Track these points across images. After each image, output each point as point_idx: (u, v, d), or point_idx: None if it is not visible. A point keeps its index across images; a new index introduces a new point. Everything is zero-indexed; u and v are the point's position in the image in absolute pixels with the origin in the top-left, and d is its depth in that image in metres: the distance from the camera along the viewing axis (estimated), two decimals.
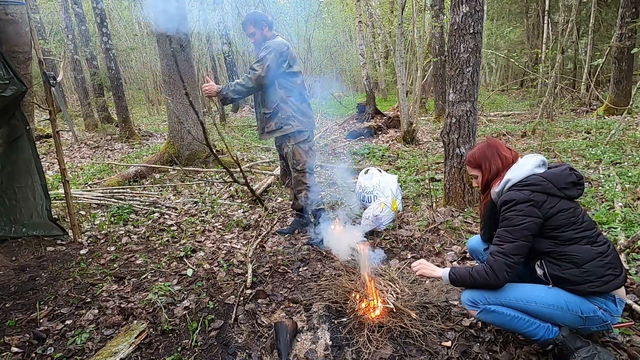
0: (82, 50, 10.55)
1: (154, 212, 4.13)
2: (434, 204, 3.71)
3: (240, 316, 2.28)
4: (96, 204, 4.34)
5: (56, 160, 4.71)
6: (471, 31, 3.16)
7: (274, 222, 3.76)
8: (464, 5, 3.14)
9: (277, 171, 5.09)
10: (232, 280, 2.72)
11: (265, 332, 2.12)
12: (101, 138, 9.22)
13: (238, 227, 3.73)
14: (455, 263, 2.75)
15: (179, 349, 2.02)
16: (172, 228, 3.75)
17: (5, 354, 2.02)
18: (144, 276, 2.83)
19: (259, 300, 2.44)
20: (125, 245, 3.40)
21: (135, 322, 2.25)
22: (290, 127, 3.08)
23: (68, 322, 2.30)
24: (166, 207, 4.33)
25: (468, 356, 1.82)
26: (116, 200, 4.40)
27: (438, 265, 2.09)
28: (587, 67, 10.04)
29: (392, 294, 2.20)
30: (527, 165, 1.67)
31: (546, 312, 1.60)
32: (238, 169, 5.69)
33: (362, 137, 8.28)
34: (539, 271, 1.66)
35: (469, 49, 3.19)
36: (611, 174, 4.15)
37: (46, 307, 2.45)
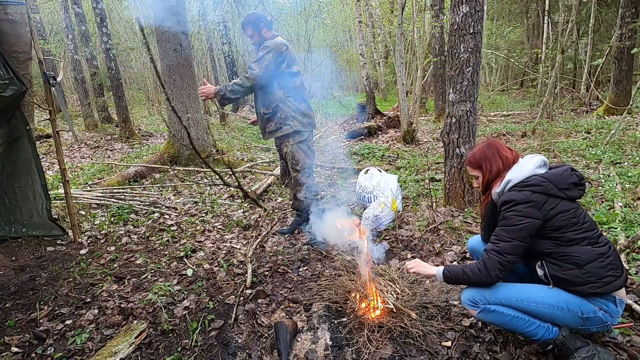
0: (82, 50, 10.55)
1: (154, 212, 4.13)
2: (434, 204, 3.71)
3: (240, 316, 2.28)
4: (96, 204, 4.34)
5: (56, 160, 4.71)
6: (471, 31, 3.16)
7: (274, 222, 3.76)
8: (464, 5, 3.14)
9: (277, 171, 5.09)
10: (232, 280, 2.72)
11: (265, 332, 2.12)
12: (101, 138, 9.22)
13: (238, 227, 3.73)
14: (455, 263, 2.75)
15: (179, 349, 2.02)
16: (172, 228, 3.75)
17: (5, 354, 2.02)
18: (144, 276, 2.83)
19: (259, 300, 2.44)
20: (125, 245, 3.40)
21: (135, 322, 2.25)
22: (289, 127, 3.08)
23: (68, 322, 2.30)
24: (166, 207, 4.33)
25: (468, 356, 1.82)
26: (116, 200, 4.40)
27: (437, 265, 2.09)
28: (587, 67, 10.04)
29: (392, 294, 2.20)
30: (528, 166, 1.67)
31: (546, 312, 1.60)
32: (239, 170, 5.69)
33: (362, 137, 8.29)
34: (540, 272, 1.66)
35: (469, 49, 3.19)
36: (611, 174, 4.15)
37: (46, 307, 2.46)
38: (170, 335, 2.14)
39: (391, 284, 2.31)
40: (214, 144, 6.64)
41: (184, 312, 2.34)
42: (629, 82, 8.43)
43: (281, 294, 2.52)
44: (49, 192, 3.39)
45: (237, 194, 4.75)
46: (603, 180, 4.02)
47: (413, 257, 2.89)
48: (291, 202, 3.55)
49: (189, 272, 2.84)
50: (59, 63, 11.40)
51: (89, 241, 3.47)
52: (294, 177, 3.25)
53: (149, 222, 3.91)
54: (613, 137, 5.51)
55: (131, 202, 4.41)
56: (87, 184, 5.26)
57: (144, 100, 19.06)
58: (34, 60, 3.11)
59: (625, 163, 4.57)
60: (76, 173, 6.08)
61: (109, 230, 3.71)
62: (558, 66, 7.80)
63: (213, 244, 3.41)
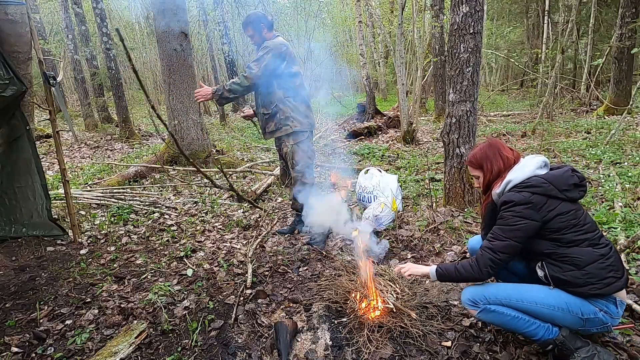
0: (82, 50, 10.55)
1: (154, 212, 4.13)
2: (434, 204, 3.71)
3: (240, 316, 2.28)
4: (96, 204, 4.34)
5: (56, 160, 4.71)
6: (471, 31, 3.16)
7: (274, 222, 3.76)
8: (464, 5, 3.14)
9: (277, 171, 5.09)
10: (232, 280, 2.72)
11: (265, 332, 2.12)
12: (101, 138, 9.22)
13: (238, 227, 3.73)
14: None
15: (179, 349, 2.02)
16: (172, 228, 3.75)
17: (5, 354, 2.02)
18: (144, 276, 2.83)
19: (259, 300, 2.44)
20: (125, 245, 3.40)
21: (135, 322, 2.25)
22: (289, 127, 3.08)
23: (68, 322, 2.30)
24: (166, 207, 4.33)
25: (468, 356, 1.82)
26: (116, 200, 4.40)
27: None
28: (587, 67, 10.04)
29: (392, 294, 2.20)
30: (528, 167, 1.67)
31: (546, 312, 1.60)
32: (239, 170, 5.69)
33: (362, 137, 8.29)
34: (540, 272, 1.66)
35: (469, 49, 3.19)
36: (611, 174, 4.15)
37: (46, 307, 2.45)
38: (170, 335, 2.14)
39: (391, 284, 2.31)
40: (214, 144, 6.65)
41: (184, 312, 2.34)
42: (629, 82, 8.43)
43: (281, 294, 2.52)
44: (49, 192, 3.39)
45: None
46: (603, 180, 4.02)
47: (413, 257, 2.89)
48: (291, 202, 3.55)
49: (189, 272, 2.84)
50: (59, 63, 11.41)
51: (89, 241, 3.47)
52: (294, 177, 3.25)
53: (149, 222, 3.91)
54: (613, 137, 5.51)
55: (131, 202, 4.41)
56: (87, 184, 5.26)
57: (144, 100, 19.06)
58: (34, 60, 3.11)
59: (625, 163, 4.57)
60: (76, 173, 6.08)
61: (109, 230, 3.71)
62: (558, 66, 7.80)
63: (213, 244, 3.41)
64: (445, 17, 9.41)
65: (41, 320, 2.32)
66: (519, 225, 1.58)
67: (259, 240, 3.34)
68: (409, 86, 8.40)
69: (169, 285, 2.64)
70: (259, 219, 3.88)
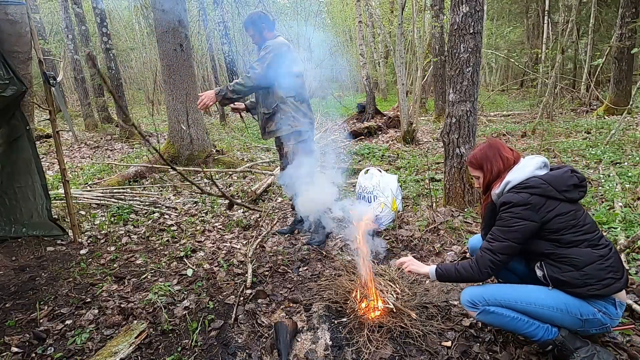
0: (82, 50, 10.55)
1: (154, 212, 4.13)
2: (434, 204, 3.71)
3: (240, 316, 2.28)
4: (96, 204, 4.34)
5: (56, 160, 4.71)
6: (471, 31, 3.16)
7: (274, 222, 3.77)
8: (464, 5, 3.14)
9: (277, 171, 5.09)
10: (232, 280, 2.72)
11: (265, 332, 2.12)
12: (101, 138, 9.23)
13: (238, 227, 3.73)
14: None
15: (179, 349, 2.02)
16: (172, 228, 3.75)
17: (5, 354, 2.02)
18: (144, 276, 2.83)
19: (259, 300, 2.44)
20: (125, 245, 3.40)
21: (135, 322, 2.25)
22: (290, 127, 3.07)
23: (68, 322, 2.30)
24: (166, 207, 4.33)
25: (468, 356, 1.82)
26: (116, 200, 4.40)
27: None
28: (587, 67, 10.04)
29: (392, 294, 2.20)
30: (527, 167, 1.67)
31: (545, 313, 1.61)
32: (239, 170, 5.69)
33: (362, 137, 8.29)
34: (539, 272, 1.66)
35: (469, 49, 3.19)
36: (611, 174, 4.15)
37: (46, 307, 2.45)
38: (170, 335, 2.14)
39: (391, 284, 2.31)
40: (214, 144, 6.65)
41: (184, 312, 2.34)
42: (629, 82, 8.43)
43: (281, 294, 2.52)
44: (49, 192, 3.39)
45: (237, 194, 4.75)
46: (603, 180, 4.02)
47: (413, 257, 2.88)
48: (292, 203, 3.55)
49: (189, 272, 2.84)
50: (59, 63, 11.41)
51: (89, 241, 3.47)
52: None
53: (149, 222, 3.91)
54: (613, 137, 5.51)
55: (131, 202, 4.41)
56: (87, 184, 5.27)
57: (144, 100, 19.07)
58: (34, 60, 3.11)
59: (625, 163, 4.57)
60: (76, 173, 6.08)
61: (109, 230, 3.71)
62: (558, 66, 7.80)
63: (213, 244, 3.41)
64: (445, 17, 9.41)
65: (41, 320, 2.32)
66: (518, 226, 1.58)
67: (259, 240, 3.34)
68: (409, 86, 8.40)
69: (169, 285, 2.64)
70: (259, 219, 3.88)
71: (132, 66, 19.48)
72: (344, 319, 2.16)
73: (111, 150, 8.28)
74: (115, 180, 5.16)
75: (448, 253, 2.88)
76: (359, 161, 6.18)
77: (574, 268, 1.56)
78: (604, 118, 7.79)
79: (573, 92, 11.05)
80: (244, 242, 3.40)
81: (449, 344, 1.90)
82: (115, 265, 3.04)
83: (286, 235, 3.45)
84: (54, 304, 2.50)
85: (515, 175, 1.67)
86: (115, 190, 4.75)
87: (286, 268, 2.87)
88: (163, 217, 4.07)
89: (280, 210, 4.10)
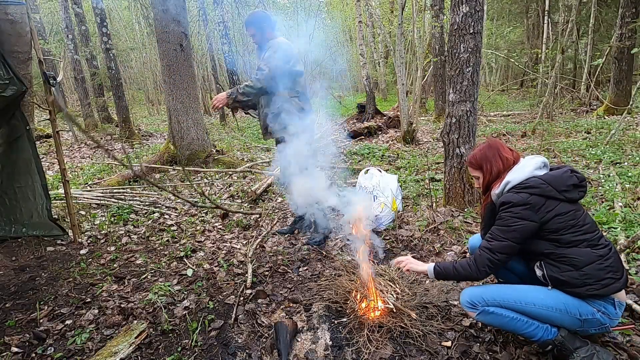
0: (82, 50, 10.55)
1: (154, 212, 4.13)
2: (434, 204, 3.71)
3: (240, 316, 2.28)
4: (96, 204, 4.34)
5: (56, 160, 4.71)
6: (471, 31, 3.16)
7: (274, 222, 3.77)
8: (464, 5, 3.14)
9: (277, 171, 5.09)
10: (232, 280, 2.72)
11: (265, 332, 2.12)
12: (101, 138, 9.22)
13: (238, 227, 3.73)
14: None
15: (179, 349, 2.02)
16: (172, 228, 3.75)
17: (5, 354, 2.02)
18: (144, 276, 2.83)
19: (259, 300, 2.44)
20: (125, 245, 3.40)
21: (135, 322, 2.25)
22: (293, 127, 3.06)
23: (68, 322, 2.30)
24: (166, 207, 4.33)
25: (468, 356, 1.82)
26: (116, 200, 4.40)
27: None
28: (587, 67, 10.04)
29: (392, 294, 2.20)
30: (527, 167, 1.67)
31: (544, 313, 1.61)
32: (239, 170, 5.69)
33: (362, 137, 8.29)
34: (538, 272, 1.66)
35: (469, 49, 3.19)
36: (611, 174, 4.15)
37: (46, 307, 2.46)
38: (170, 335, 2.14)
39: (391, 284, 2.31)
40: (214, 144, 6.65)
41: (184, 312, 2.34)
42: (629, 82, 8.43)
43: (281, 294, 2.52)
44: (49, 192, 3.39)
45: (237, 194, 4.75)
46: (603, 180, 4.02)
47: (413, 257, 2.88)
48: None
49: (189, 272, 2.84)
50: (59, 63, 11.41)
51: (89, 241, 3.47)
52: None
53: (149, 222, 3.91)
54: (613, 137, 5.51)
55: (131, 202, 4.41)
56: (87, 184, 5.27)
57: (144, 100, 19.08)
58: (34, 60, 3.11)
59: (625, 163, 4.57)
60: (76, 173, 6.08)
61: (109, 230, 3.71)
62: (558, 66, 7.80)
63: (213, 244, 3.41)
64: (445, 17, 9.41)
65: (41, 320, 2.32)
66: (517, 226, 1.58)
67: (259, 240, 3.34)
68: (409, 86, 8.40)
69: (169, 285, 2.64)
70: (259, 219, 3.88)
71: (132, 66, 19.48)
72: (344, 319, 2.16)
73: (111, 150, 8.28)
74: (115, 180, 5.16)
75: (448, 253, 2.88)
76: (359, 161, 6.18)
77: (574, 268, 1.56)
78: (604, 118, 7.79)
79: (573, 92, 11.05)
80: (244, 242, 3.40)
81: (449, 344, 1.90)
82: (115, 265, 3.04)
83: (286, 235, 3.45)
84: (54, 304, 2.50)
85: (515, 176, 1.67)
86: (115, 190, 4.76)
87: (286, 268, 2.87)
88: (163, 217, 4.07)
89: (280, 210, 4.10)
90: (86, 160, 7.25)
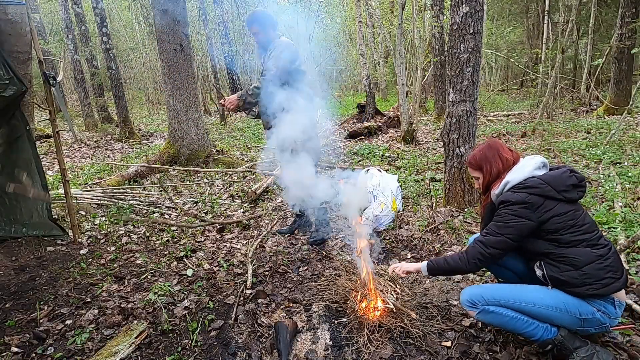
0: (82, 50, 10.55)
1: (154, 212, 4.13)
2: (434, 204, 3.71)
3: (240, 316, 2.28)
4: (96, 204, 4.34)
5: (56, 160, 4.71)
6: (471, 31, 3.16)
7: (274, 222, 3.77)
8: (464, 5, 3.14)
9: (278, 171, 5.08)
10: (232, 280, 2.72)
11: (265, 332, 2.12)
12: (101, 138, 9.23)
13: (238, 227, 3.73)
14: None
15: (179, 349, 2.02)
16: (172, 228, 3.75)
17: (5, 354, 2.02)
18: (144, 276, 2.83)
19: (259, 300, 2.44)
20: (125, 245, 3.40)
21: (135, 322, 2.25)
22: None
23: (68, 322, 2.30)
24: (166, 207, 4.33)
25: (468, 356, 1.82)
26: (116, 200, 4.40)
27: None
28: (587, 67, 10.04)
29: (392, 294, 2.20)
30: (526, 167, 1.67)
31: (544, 313, 1.61)
32: (239, 170, 5.69)
33: (362, 137, 8.28)
34: (538, 272, 1.66)
35: (469, 49, 3.19)
36: (611, 174, 4.15)
37: (46, 307, 2.46)
38: (170, 335, 2.14)
39: (391, 284, 2.31)
40: (214, 144, 6.65)
41: (184, 312, 2.34)
42: (629, 82, 8.43)
43: (281, 294, 2.52)
44: (49, 192, 3.38)
45: (237, 194, 4.75)
46: (603, 180, 4.02)
47: (413, 257, 2.89)
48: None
49: (189, 272, 2.84)
50: (59, 63, 11.41)
51: (89, 241, 3.47)
52: None
53: (149, 222, 3.91)
54: (613, 137, 5.51)
55: (131, 202, 4.41)
56: (87, 184, 5.27)
57: (144, 100, 19.08)
58: (34, 60, 3.11)
59: (625, 163, 4.57)
60: (76, 173, 6.08)
61: (109, 230, 3.71)
62: (558, 66, 7.80)
63: (213, 244, 3.41)
64: (445, 17, 9.41)
65: (41, 320, 2.32)
66: (514, 222, 1.59)
67: (259, 240, 3.34)
68: (409, 86, 8.40)
69: (169, 285, 2.64)
70: (259, 219, 3.88)
71: (132, 66, 19.47)
72: (344, 319, 2.16)
73: (111, 150, 8.28)
74: (115, 180, 5.16)
75: (448, 253, 2.87)
76: (359, 161, 6.18)
77: (573, 267, 1.56)
78: (604, 118, 7.79)
79: (573, 92, 11.05)
80: (244, 242, 3.40)
81: (449, 344, 1.90)
82: (115, 265, 3.04)
83: (286, 235, 3.45)
84: (54, 304, 2.50)
85: (514, 176, 1.67)
86: (115, 190, 4.75)
87: (286, 268, 2.87)
88: (163, 217, 4.07)
89: (280, 210, 4.10)
90: (86, 160, 7.25)
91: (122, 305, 2.42)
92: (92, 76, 10.76)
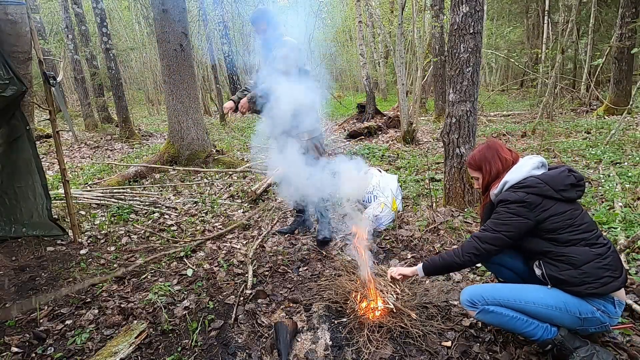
0: (82, 50, 10.55)
1: (154, 212, 4.13)
2: (434, 204, 3.71)
3: (240, 316, 2.29)
4: (96, 204, 4.34)
5: (56, 160, 4.71)
6: (471, 31, 3.16)
7: (274, 222, 3.77)
8: (464, 5, 3.14)
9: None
10: (232, 280, 2.72)
11: (265, 332, 2.12)
12: (101, 138, 9.23)
13: (238, 227, 3.73)
14: None
15: (179, 349, 2.02)
16: (172, 228, 3.75)
17: (5, 354, 2.02)
18: (144, 276, 2.83)
19: (259, 300, 2.44)
20: (125, 245, 3.40)
21: (135, 322, 2.25)
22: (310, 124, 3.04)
23: (68, 322, 2.30)
24: (166, 207, 4.33)
25: (468, 356, 1.82)
26: (116, 200, 4.40)
27: None
28: (587, 67, 10.04)
29: (392, 294, 2.20)
30: (525, 167, 1.68)
31: (544, 312, 1.61)
32: (239, 170, 5.68)
33: (362, 137, 8.28)
34: (538, 271, 1.66)
35: (469, 49, 3.19)
36: (611, 174, 4.15)
37: (46, 307, 2.46)
38: (170, 335, 2.14)
39: (391, 284, 2.31)
40: (214, 144, 6.65)
41: (184, 312, 2.34)
42: (629, 82, 8.42)
43: (281, 294, 2.52)
44: (49, 192, 3.38)
45: (237, 194, 4.75)
46: (603, 180, 4.02)
47: (413, 257, 2.89)
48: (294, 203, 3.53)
49: (189, 272, 2.84)
50: (59, 63, 11.41)
51: (89, 241, 3.47)
52: None
53: (149, 222, 3.91)
54: (613, 137, 5.50)
55: (131, 202, 4.41)
56: (87, 184, 5.27)
57: (144, 100, 19.08)
58: (34, 60, 3.11)
59: (625, 163, 4.57)
60: (76, 173, 6.08)
61: (109, 230, 3.71)
62: (558, 66, 7.80)
63: (213, 243, 3.41)
64: (445, 17, 9.41)
65: (41, 320, 2.32)
66: (511, 220, 1.60)
67: (259, 240, 3.34)
68: (409, 86, 8.40)
69: (169, 285, 2.64)
70: (259, 219, 3.88)
71: (132, 66, 19.47)
72: (344, 319, 2.16)
73: (111, 150, 8.28)
74: (115, 180, 5.16)
75: None
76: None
77: (572, 266, 1.56)
78: (604, 118, 7.79)
79: (573, 92, 11.05)
80: (244, 242, 3.40)
81: (449, 344, 1.90)
82: (115, 265, 3.04)
83: (286, 235, 3.45)
84: (54, 304, 2.50)
85: (513, 176, 1.68)
86: (115, 190, 4.75)
87: (286, 268, 2.87)
88: (163, 217, 4.07)
89: (280, 210, 4.10)
90: (86, 160, 7.25)
91: (122, 305, 2.42)
92: (92, 76, 10.76)
